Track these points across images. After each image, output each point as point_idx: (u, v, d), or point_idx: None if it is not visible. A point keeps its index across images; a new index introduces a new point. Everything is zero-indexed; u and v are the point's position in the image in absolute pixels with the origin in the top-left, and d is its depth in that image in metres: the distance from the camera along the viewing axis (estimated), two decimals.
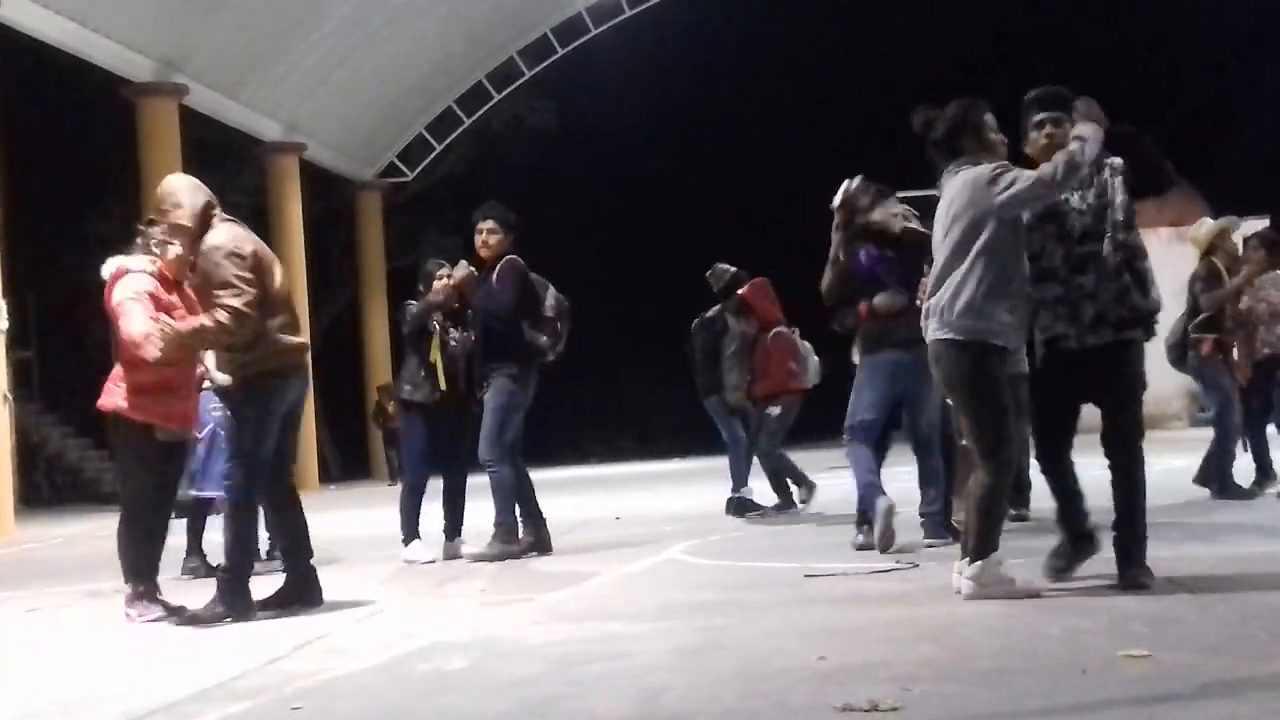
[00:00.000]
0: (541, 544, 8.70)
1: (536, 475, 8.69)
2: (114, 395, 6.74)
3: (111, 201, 26.41)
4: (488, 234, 8.61)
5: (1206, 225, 10.53)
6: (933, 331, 5.72)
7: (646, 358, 39.55)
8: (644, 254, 39.28)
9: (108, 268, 6.95)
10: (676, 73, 39.44)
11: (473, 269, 8.61)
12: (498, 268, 8.56)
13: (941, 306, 5.66)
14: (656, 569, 7.77)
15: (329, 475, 29.49)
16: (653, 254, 38.98)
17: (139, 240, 7.16)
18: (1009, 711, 3.63)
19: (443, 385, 8.67)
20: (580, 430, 35.76)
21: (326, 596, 6.71)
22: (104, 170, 28.95)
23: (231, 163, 31.34)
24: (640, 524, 11.15)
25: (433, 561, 8.60)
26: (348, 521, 14.83)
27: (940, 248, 5.74)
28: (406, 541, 8.79)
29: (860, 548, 7.68)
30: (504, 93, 30.65)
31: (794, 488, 10.76)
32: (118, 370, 6.83)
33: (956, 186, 5.77)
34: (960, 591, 5.58)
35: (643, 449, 33.50)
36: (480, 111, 30.93)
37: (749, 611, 5.78)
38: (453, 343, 8.74)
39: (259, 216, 29.84)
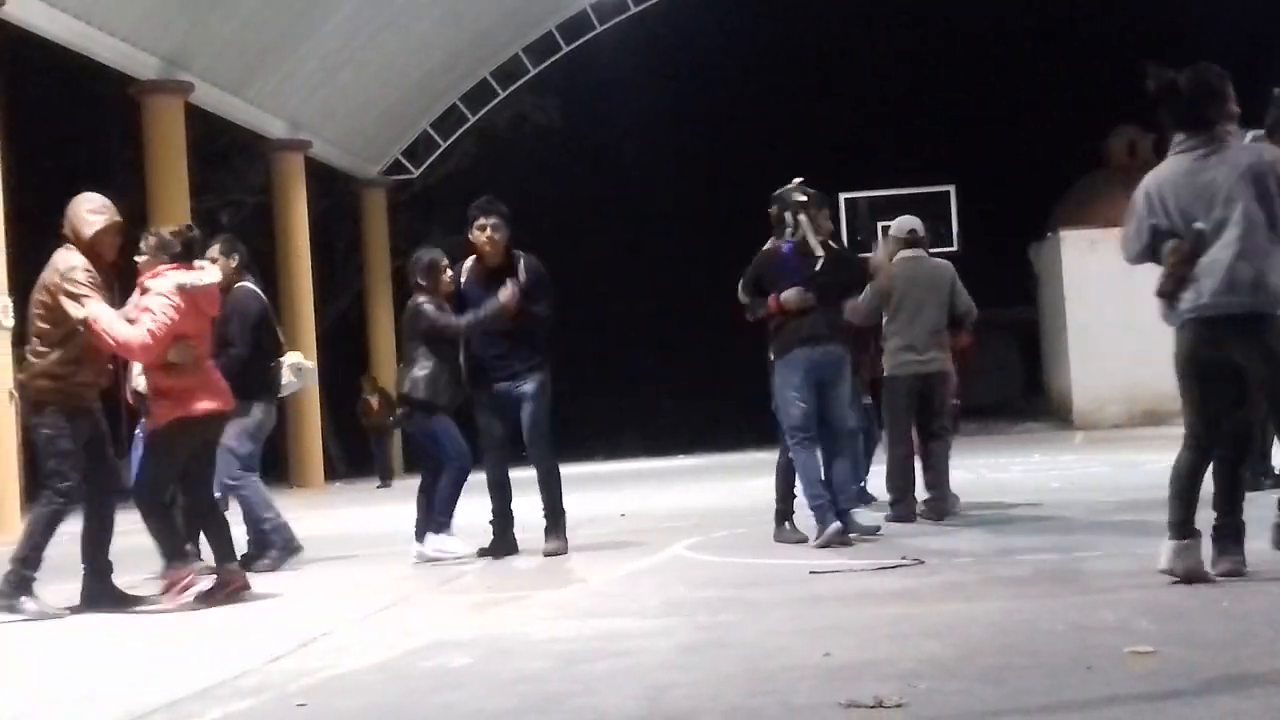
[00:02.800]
0: (510, 546, 8.55)
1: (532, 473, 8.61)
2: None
3: (117, 200, 26.41)
4: (492, 230, 8.39)
5: None
6: (1254, 305, 5.35)
7: (651, 354, 39.60)
8: (648, 251, 39.29)
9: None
10: (681, 70, 39.47)
11: (516, 289, 8.27)
12: (523, 266, 8.40)
13: (1254, 281, 5.32)
14: (661, 566, 7.76)
15: (334, 472, 29.53)
16: (657, 251, 39.00)
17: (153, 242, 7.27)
18: (1014, 708, 3.62)
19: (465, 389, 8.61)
20: (585, 427, 35.78)
21: (332, 593, 6.71)
22: (109, 168, 28.97)
23: (237, 160, 31.39)
24: (645, 521, 11.14)
25: (461, 558, 8.41)
26: (351, 519, 14.83)
27: (1226, 220, 5.35)
28: (440, 529, 8.58)
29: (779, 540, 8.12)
30: (509, 90, 30.66)
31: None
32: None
33: (1244, 162, 5.41)
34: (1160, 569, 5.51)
35: (647, 446, 33.48)
36: (485, 109, 30.95)
37: (754, 608, 5.77)
38: (467, 318, 8.51)
39: (264, 214, 29.94)
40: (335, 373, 27.87)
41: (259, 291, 9.09)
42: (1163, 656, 4.10)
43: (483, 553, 8.48)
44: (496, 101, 30.90)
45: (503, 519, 8.59)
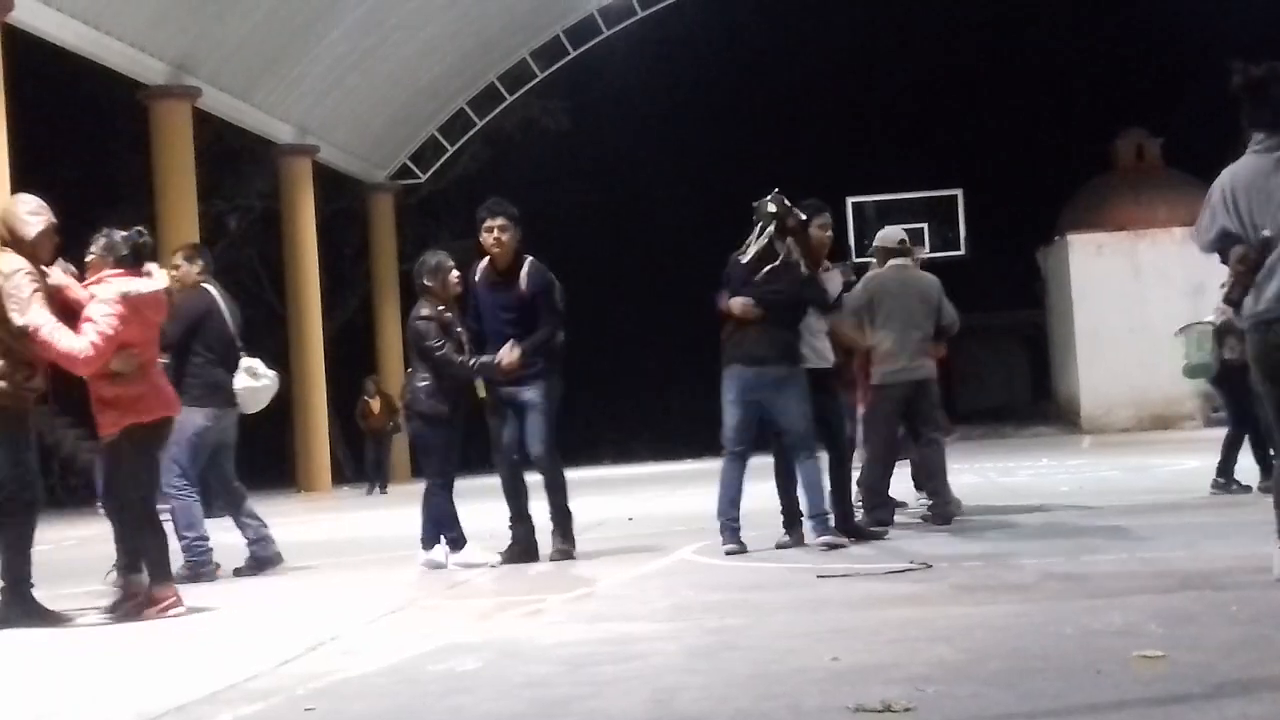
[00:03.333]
0: (530, 551, 8.47)
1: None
2: None
3: (125, 205, 26.48)
4: (499, 231, 8.27)
5: None
6: None
7: (660, 358, 39.59)
8: (657, 254, 39.28)
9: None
10: (688, 74, 39.47)
11: (520, 351, 8.17)
12: (525, 273, 8.31)
13: None
14: (669, 570, 7.77)
15: (342, 476, 29.55)
16: (666, 254, 38.97)
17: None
18: (1022, 712, 3.62)
19: (483, 393, 8.51)
20: (593, 431, 35.78)
21: (340, 597, 6.70)
22: (117, 173, 29.03)
23: (244, 165, 31.42)
24: (653, 524, 11.15)
25: (486, 566, 8.30)
26: (360, 523, 14.85)
27: None
28: (459, 545, 8.52)
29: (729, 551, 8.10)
30: (516, 94, 30.67)
31: None
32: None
33: None
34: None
35: (656, 450, 33.44)
36: (493, 113, 30.96)
37: (762, 612, 5.78)
38: (459, 359, 8.44)
39: (271, 219, 29.97)
40: (342, 377, 27.92)
41: (216, 296, 8.96)
42: (1172, 661, 4.10)
43: (504, 558, 8.38)
44: (504, 106, 30.92)
45: (521, 524, 8.49)
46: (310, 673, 4.96)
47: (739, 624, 5.46)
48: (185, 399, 8.01)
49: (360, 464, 27.41)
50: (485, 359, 8.29)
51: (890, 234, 9.68)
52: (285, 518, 18.24)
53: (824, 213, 8.75)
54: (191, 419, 8.47)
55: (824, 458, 8.34)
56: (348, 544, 11.61)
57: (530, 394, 8.28)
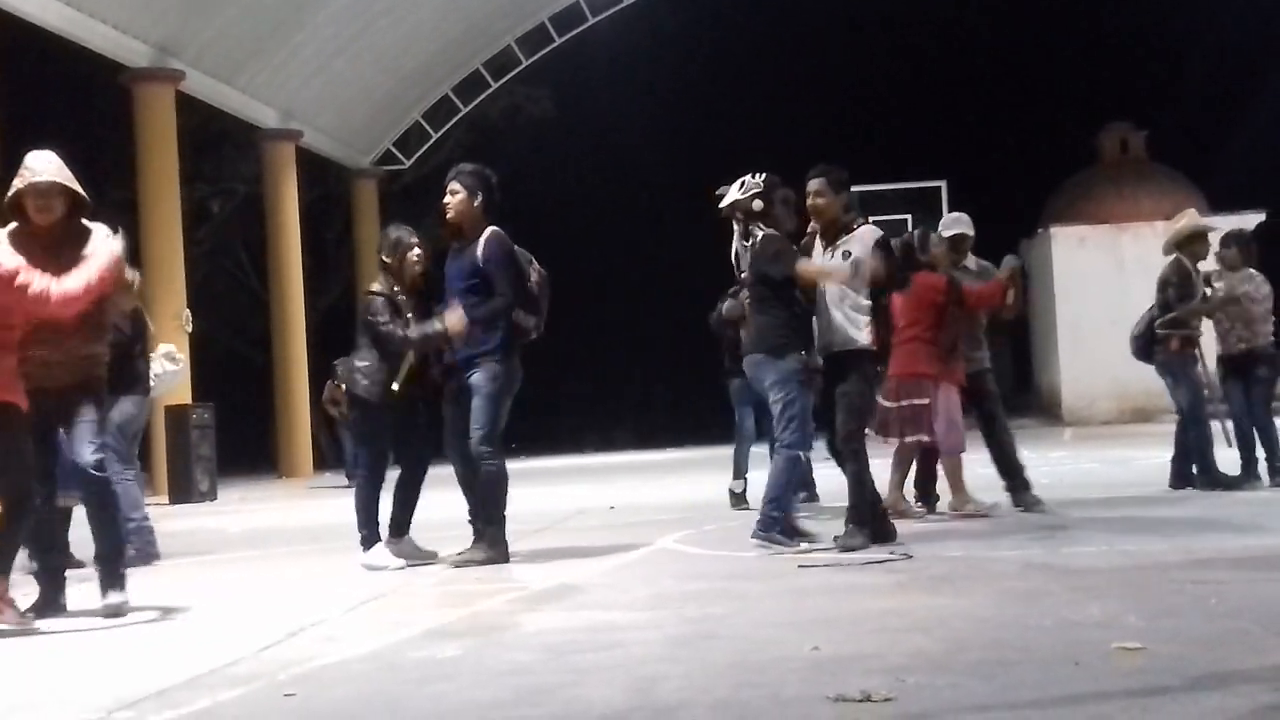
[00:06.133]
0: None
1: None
2: None
3: (108, 187, 26.38)
4: (449, 194, 7.79)
5: (1185, 220, 10.48)
6: None
7: (643, 347, 39.60)
8: (641, 243, 39.27)
9: None
10: (675, 61, 39.44)
11: (466, 320, 7.61)
12: (482, 242, 7.71)
13: None
14: (651, 558, 7.77)
15: (324, 462, 29.50)
16: (649, 243, 38.97)
17: None
18: (1002, 703, 3.63)
19: (398, 385, 7.88)
20: (575, 419, 35.78)
21: (321, 583, 6.68)
22: (99, 156, 28.85)
23: (228, 150, 31.32)
24: (635, 513, 11.15)
25: (401, 568, 7.81)
26: (341, 509, 14.80)
27: None
28: (369, 544, 8.00)
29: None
30: (501, 81, 30.64)
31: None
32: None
33: None
34: None
35: (638, 438, 33.46)
36: (477, 100, 30.93)
37: (743, 601, 5.78)
38: (400, 333, 7.87)
39: (255, 203, 29.88)
40: (325, 363, 27.83)
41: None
42: (1151, 653, 4.12)
43: (461, 557, 7.76)
44: (488, 93, 30.88)
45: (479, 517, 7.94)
46: (291, 658, 4.95)
47: (720, 613, 5.47)
48: (114, 386, 8.05)
49: (340, 453, 26.40)
50: (426, 326, 7.78)
51: (959, 220, 9.64)
52: (266, 503, 18.23)
53: (777, 188, 7.97)
54: (123, 408, 8.69)
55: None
56: (327, 530, 11.59)
57: (476, 377, 7.68)
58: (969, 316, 9.18)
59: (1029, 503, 9.09)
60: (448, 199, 7.84)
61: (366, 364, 7.97)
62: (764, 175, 7.86)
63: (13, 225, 6.36)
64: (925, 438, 8.97)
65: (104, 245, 6.40)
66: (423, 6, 26.86)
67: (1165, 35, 39.68)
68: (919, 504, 9.36)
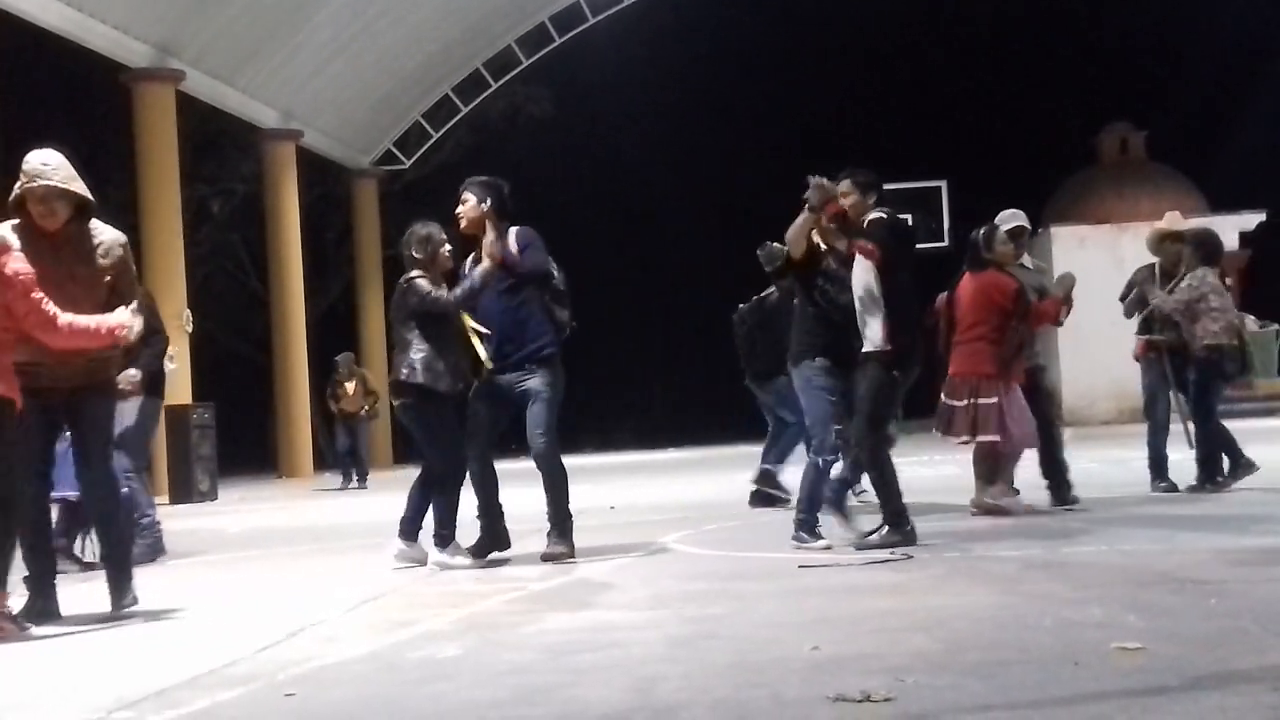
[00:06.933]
0: (499, 540, 7.95)
1: (531, 464, 8.33)
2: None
3: (108, 188, 26.41)
4: (461, 205, 7.77)
5: (1161, 222, 10.70)
6: None
7: (644, 347, 39.63)
8: (641, 242, 39.30)
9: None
10: (675, 61, 39.44)
11: (499, 237, 7.56)
12: (515, 233, 7.72)
13: None
14: (650, 558, 7.77)
15: (324, 463, 29.50)
16: (650, 242, 38.99)
17: None
18: (1001, 703, 3.63)
19: (487, 366, 7.67)
20: (576, 419, 35.79)
21: (321, 584, 6.67)
22: (99, 156, 28.83)
23: (228, 149, 31.32)
24: (635, 513, 11.15)
25: (480, 565, 7.69)
26: (341, 509, 14.82)
27: None
28: (446, 543, 7.76)
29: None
30: (501, 81, 30.65)
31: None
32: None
33: None
34: None
35: (637, 438, 33.46)
36: (478, 100, 30.94)
37: (743, 601, 5.78)
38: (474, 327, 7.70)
39: (255, 203, 29.88)
40: (325, 363, 27.86)
41: None
42: (1150, 653, 4.11)
43: (473, 553, 7.82)
44: (489, 93, 30.89)
45: (488, 515, 7.94)
46: (290, 659, 4.95)
47: (720, 613, 5.47)
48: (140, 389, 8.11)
49: (336, 453, 25.55)
50: (463, 282, 7.64)
51: (1015, 216, 9.64)
52: (266, 503, 18.23)
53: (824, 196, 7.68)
54: (145, 408, 8.87)
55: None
56: (329, 530, 11.60)
57: (535, 381, 7.64)
58: (1028, 328, 9.10)
59: (1068, 501, 9.16)
60: (460, 209, 7.81)
61: (423, 354, 7.66)
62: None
63: (18, 220, 6.24)
64: (997, 437, 8.84)
65: (121, 272, 6.28)
66: (423, 6, 26.86)
67: (1165, 35, 39.69)
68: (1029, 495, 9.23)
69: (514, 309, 7.67)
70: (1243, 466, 9.86)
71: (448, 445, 7.81)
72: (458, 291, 7.70)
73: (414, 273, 7.83)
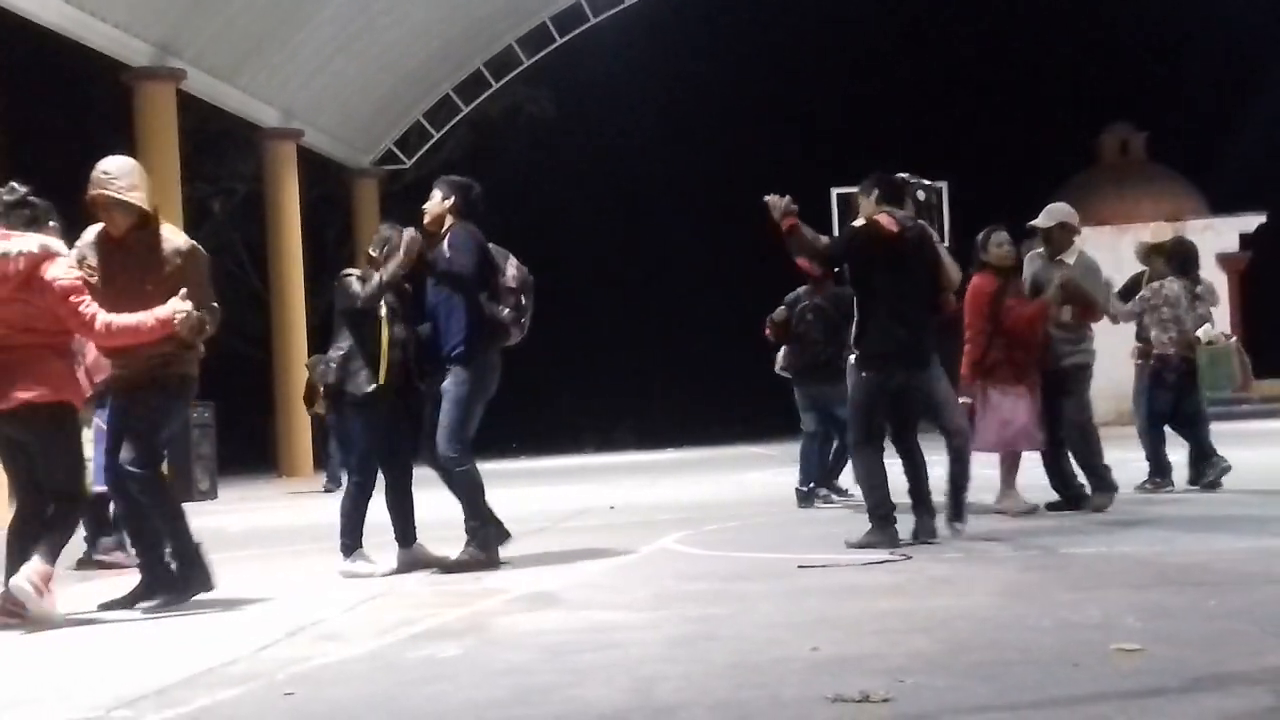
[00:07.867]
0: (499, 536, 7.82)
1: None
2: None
3: None
4: (427, 202, 7.75)
5: (1148, 237, 11.00)
6: None
7: (642, 346, 39.60)
8: (642, 242, 39.27)
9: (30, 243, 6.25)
10: (674, 62, 39.44)
11: (417, 233, 7.51)
12: (447, 233, 7.60)
13: None
14: (651, 559, 7.77)
15: (324, 462, 29.50)
16: (650, 242, 38.96)
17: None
18: (1001, 704, 3.63)
19: (382, 378, 7.43)
20: (576, 419, 35.77)
21: (320, 583, 6.67)
22: (99, 155, 28.83)
23: (228, 149, 31.32)
24: (635, 513, 11.15)
25: (389, 573, 7.59)
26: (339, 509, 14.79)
27: None
28: (350, 551, 7.71)
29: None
30: (502, 81, 30.66)
31: None
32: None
33: None
34: None
35: (638, 438, 33.45)
36: (479, 100, 30.94)
37: (742, 602, 5.78)
38: (397, 330, 7.52)
39: (255, 202, 29.88)
40: None
41: None
42: (1149, 654, 4.12)
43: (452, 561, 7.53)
44: (489, 93, 30.89)
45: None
46: (290, 658, 4.95)
47: (720, 613, 5.47)
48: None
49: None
50: (386, 265, 7.49)
51: (1062, 210, 9.78)
52: (266, 502, 18.23)
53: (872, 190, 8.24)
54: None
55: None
56: (329, 530, 11.58)
57: (445, 380, 7.44)
58: (1012, 336, 8.97)
59: (1083, 507, 9.14)
60: (426, 204, 7.84)
61: (341, 352, 7.55)
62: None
63: (99, 226, 6.52)
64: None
65: (185, 271, 6.48)
66: (423, 6, 26.86)
67: (1165, 36, 39.70)
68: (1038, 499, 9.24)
69: (444, 305, 7.52)
70: (1159, 483, 10.05)
71: (362, 449, 7.70)
72: (383, 273, 7.53)
73: (352, 270, 7.82)
